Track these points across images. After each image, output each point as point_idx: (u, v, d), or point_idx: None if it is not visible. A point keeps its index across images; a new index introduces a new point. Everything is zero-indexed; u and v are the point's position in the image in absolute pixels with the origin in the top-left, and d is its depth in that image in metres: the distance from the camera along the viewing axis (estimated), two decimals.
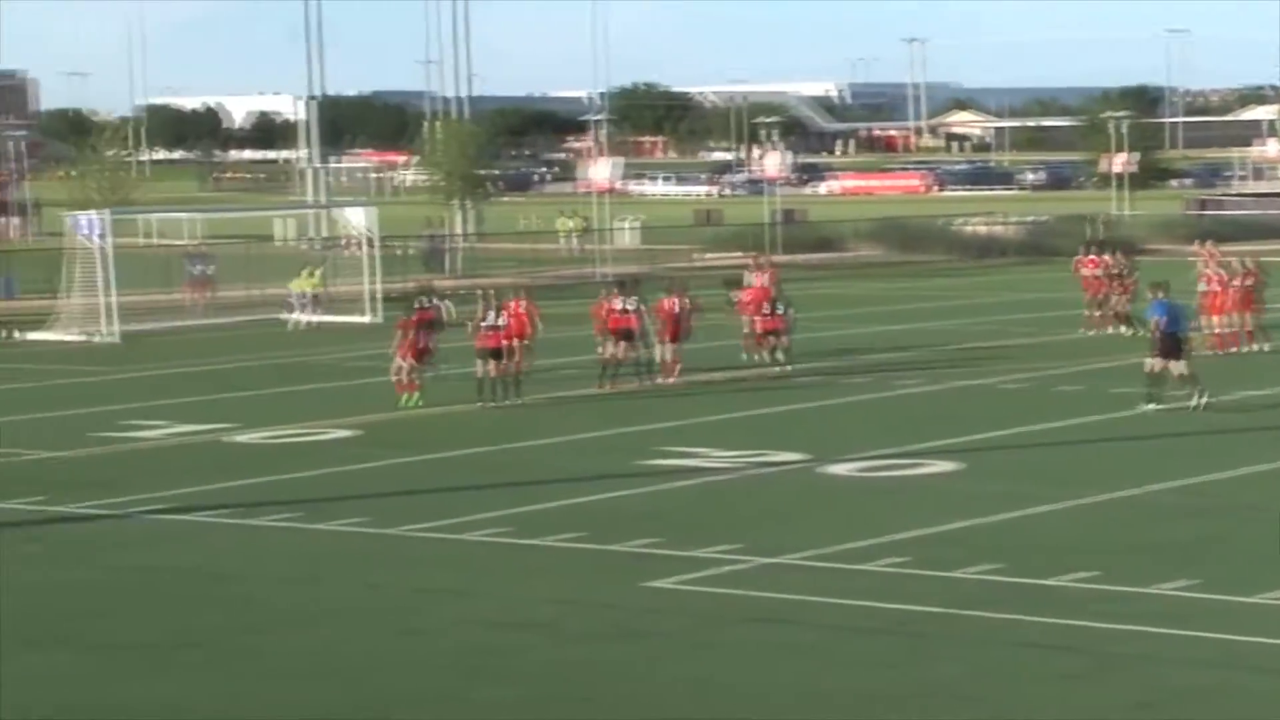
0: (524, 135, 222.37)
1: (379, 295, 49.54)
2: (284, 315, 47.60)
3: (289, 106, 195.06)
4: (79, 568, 20.11)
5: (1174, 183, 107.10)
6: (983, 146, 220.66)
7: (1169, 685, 15.13)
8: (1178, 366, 29.47)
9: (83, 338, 44.58)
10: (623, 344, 33.69)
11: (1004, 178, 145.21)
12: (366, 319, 48.43)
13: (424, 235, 59.97)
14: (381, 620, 17.61)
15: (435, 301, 34.38)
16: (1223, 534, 20.74)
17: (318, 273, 49.17)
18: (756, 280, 38.45)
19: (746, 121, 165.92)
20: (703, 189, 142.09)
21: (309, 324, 46.97)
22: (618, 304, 34.01)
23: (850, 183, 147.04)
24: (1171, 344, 29.48)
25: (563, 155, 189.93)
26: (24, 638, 17.18)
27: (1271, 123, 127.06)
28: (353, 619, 17.68)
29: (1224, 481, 23.75)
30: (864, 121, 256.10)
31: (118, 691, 15.55)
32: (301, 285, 48.35)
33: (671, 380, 34.09)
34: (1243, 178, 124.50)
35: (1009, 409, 30.36)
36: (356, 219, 53.48)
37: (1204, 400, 29.14)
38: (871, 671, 15.66)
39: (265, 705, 15.12)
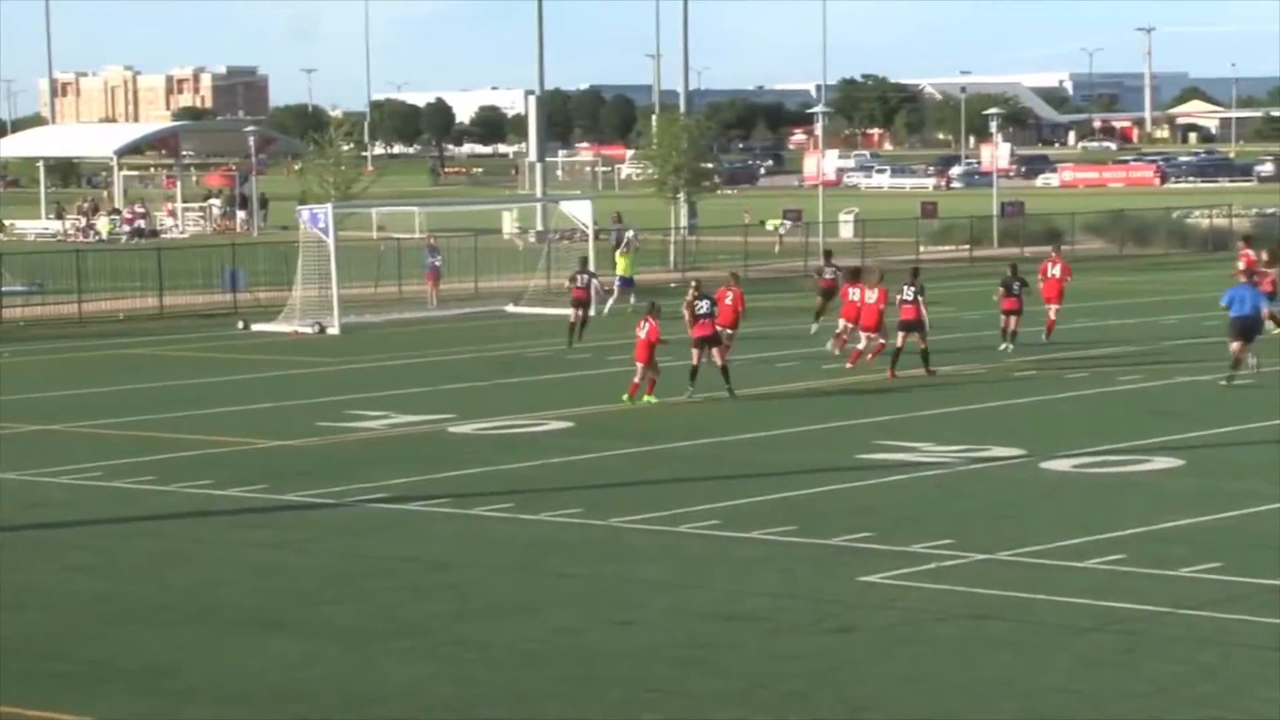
0: (746, 128, 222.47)
1: (596, 288, 49.77)
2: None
3: (515, 101, 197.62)
4: (302, 555, 20.55)
5: None
6: (1211, 137, 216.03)
7: None
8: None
9: (309, 329, 45.46)
10: (906, 335, 33.95)
11: (1236, 169, 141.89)
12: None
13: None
14: (596, 611, 17.75)
15: (588, 278, 41.31)
16: None
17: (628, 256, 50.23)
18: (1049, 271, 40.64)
19: (964, 113, 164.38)
20: (925, 181, 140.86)
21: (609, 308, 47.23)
22: (906, 293, 34.17)
23: (1077, 174, 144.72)
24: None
25: (789, 147, 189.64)
26: (247, 621, 17.62)
27: None
28: (567, 609, 17.85)
29: None
30: (1092, 113, 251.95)
31: (344, 675, 15.86)
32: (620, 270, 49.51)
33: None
34: None
35: (1233, 405, 29.71)
36: (576, 212, 53.88)
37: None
38: (1086, 670, 15.43)
39: (484, 691, 15.34)
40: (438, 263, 53.27)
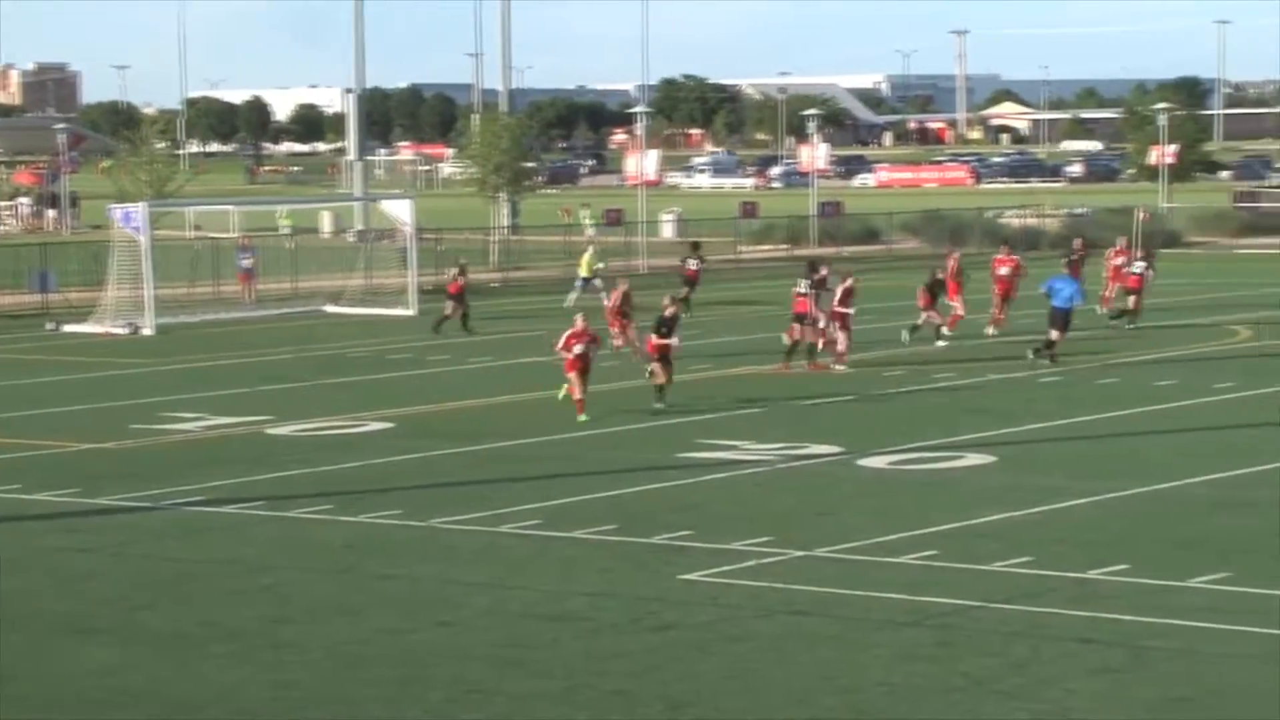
0: (567, 127, 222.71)
1: (415, 288, 49.69)
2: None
3: (334, 99, 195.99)
4: (116, 560, 20.24)
5: (1223, 174, 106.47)
6: (1023, 139, 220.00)
7: (1205, 680, 15.09)
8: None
9: (122, 330, 44.76)
10: (798, 326, 34.59)
11: (1046, 170, 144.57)
12: (406, 311, 48.57)
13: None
14: (416, 612, 17.69)
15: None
16: (1257, 527, 20.65)
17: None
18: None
19: (783, 114, 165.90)
20: (744, 181, 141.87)
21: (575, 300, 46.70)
22: (800, 287, 34.77)
23: (894, 175, 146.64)
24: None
25: (610, 147, 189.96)
26: (62, 628, 17.32)
27: None
28: (388, 611, 17.77)
29: (1258, 475, 23.66)
30: (908, 114, 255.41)
31: (161, 680, 15.65)
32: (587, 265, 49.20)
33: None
34: None
35: (1042, 402, 30.30)
36: (397, 211, 53.59)
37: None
38: (902, 664, 15.66)
39: (304, 695, 15.22)
40: (248, 263, 52.75)
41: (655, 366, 30.45)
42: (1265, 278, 55.95)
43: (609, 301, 37.22)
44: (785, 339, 35.02)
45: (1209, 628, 16.47)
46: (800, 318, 34.82)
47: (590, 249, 51.95)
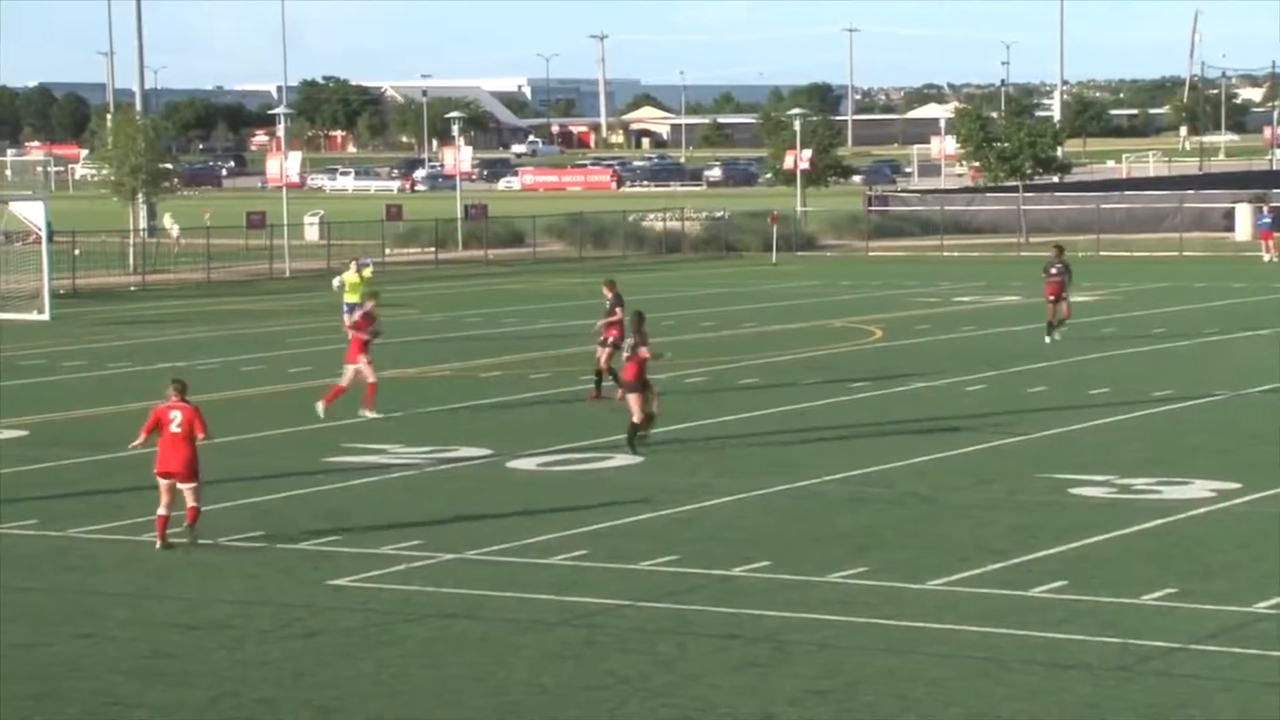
0: (206, 128, 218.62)
1: (48, 292, 48.31)
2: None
3: None
4: None
5: (856, 178, 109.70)
6: (664, 143, 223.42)
7: (844, 671, 15.52)
8: None
9: None
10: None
11: (687, 174, 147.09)
12: (39, 316, 47.15)
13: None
14: (54, 625, 17.18)
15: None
16: (889, 523, 21.34)
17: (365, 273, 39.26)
18: None
19: (426, 117, 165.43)
20: (389, 184, 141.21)
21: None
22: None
23: (538, 178, 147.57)
24: None
25: (251, 149, 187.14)
26: None
27: (944, 121, 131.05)
28: (23, 624, 17.21)
29: (890, 471, 24.45)
30: (551, 117, 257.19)
31: None
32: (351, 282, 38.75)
33: None
34: (909, 174, 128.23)
35: (685, 403, 30.79)
36: (28, 213, 51.93)
37: None
38: (551, 664, 15.77)
39: None
40: None
41: (633, 397, 25.59)
42: (895, 279, 57.87)
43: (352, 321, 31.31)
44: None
45: (847, 620, 16.96)
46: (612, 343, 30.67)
47: (354, 266, 39.62)
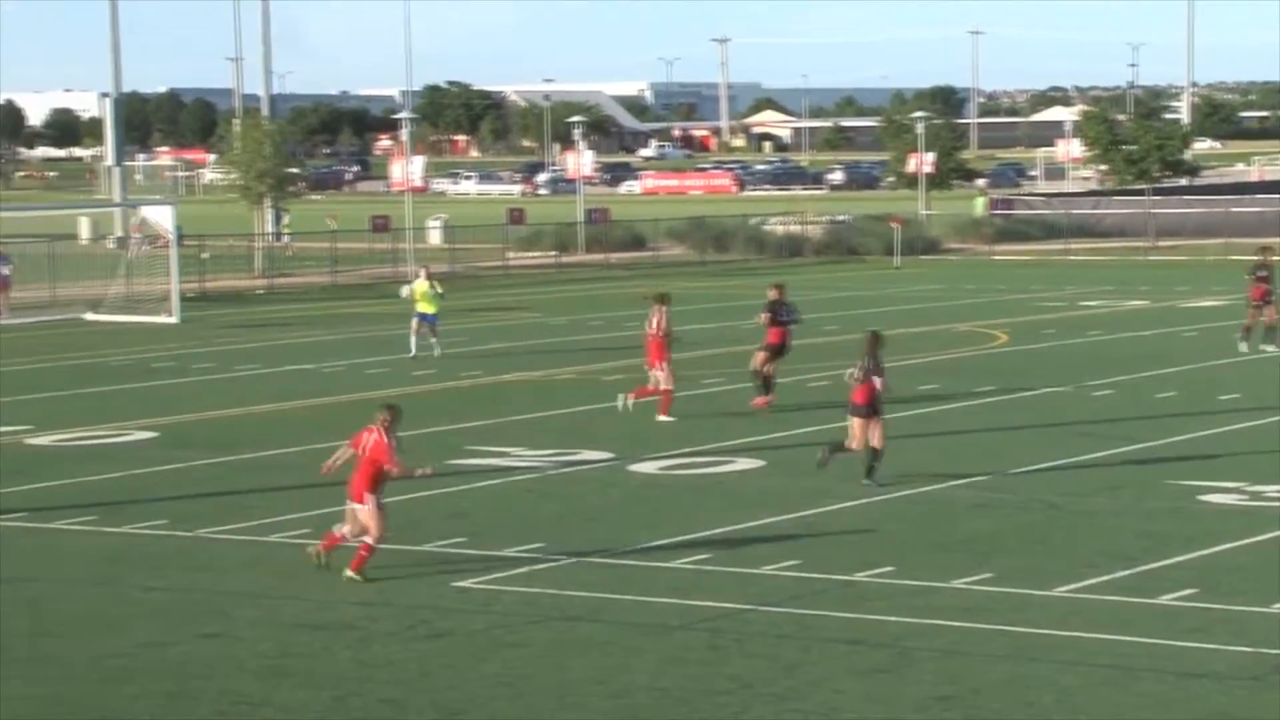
0: (331, 133, 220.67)
1: (177, 295, 48.97)
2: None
3: (90, 103, 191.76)
4: None
5: (979, 182, 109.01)
6: (785, 146, 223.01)
7: (968, 678, 15.41)
8: None
9: None
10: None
11: (808, 177, 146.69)
12: (169, 319, 47.79)
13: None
14: (182, 624, 17.39)
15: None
16: (1016, 528, 21.15)
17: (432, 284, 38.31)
18: None
19: (548, 121, 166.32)
20: (511, 188, 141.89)
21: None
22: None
23: (659, 181, 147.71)
24: None
25: (375, 153, 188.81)
26: None
27: (1070, 124, 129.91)
28: (152, 623, 17.44)
29: (1016, 477, 24.23)
30: (672, 121, 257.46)
31: None
32: (424, 306, 37.90)
33: None
34: (1033, 177, 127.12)
35: (813, 406, 30.68)
36: (157, 217, 52.65)
37: None
38: (673, 668, 15.76)
39: (67, 710, 14.88)
40: (7, 270, 51.44)
41: (856, 422, 23.61)
42: (1020, 283, 57.37)
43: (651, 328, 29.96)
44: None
45: (970, 627, 16.82)
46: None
47: (423, 275, 38.98)
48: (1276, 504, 22.13)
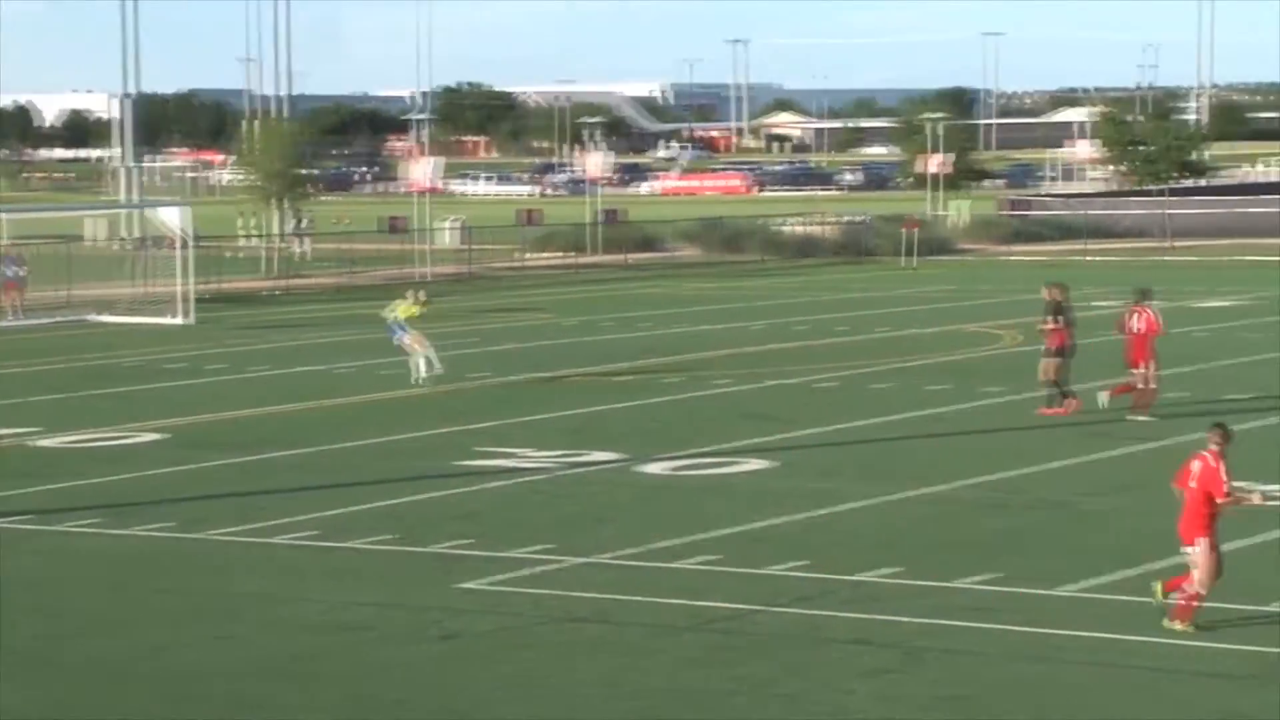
0: (345, 134, 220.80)
1: (192, 296, 49.03)
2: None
3: (102, 105, 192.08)
4: None
5: (986, 183, 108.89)
6: (802, 147, 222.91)
7: (977, 678, 15.40)
8: None
9: None
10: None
11: (823, 178, 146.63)
12: (179, 320, 47.84)
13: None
14: (190, 627, 17.40)
15: None
16: (1024, 528, 21.13)
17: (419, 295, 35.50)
18: None
19: (569, 122, 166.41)
20: (525, 189, 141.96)
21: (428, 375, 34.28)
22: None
23: (673, 183, 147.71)
24: None
25: (385, 155, 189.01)
26: None
27: (1083, 124, 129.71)
28: (160, 626, 17.46)
29: (1025, 477, 24.21)
30: (688, 122, 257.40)
31: None
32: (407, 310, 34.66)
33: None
34: (1053, 179, 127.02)
35: (820, 408, 30.68)
36: (170, 219, 52.69)
37: None
38: (684, 669, 15.75)
39: (75, 713, 14.90)
40: (22, 273, 51.50)
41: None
42: (1034, 284, 57.21)
43: None
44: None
45: (979, 627, 16.80)
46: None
47: (412, 293, 35.65)
48: (1277, 504, 22.08)
